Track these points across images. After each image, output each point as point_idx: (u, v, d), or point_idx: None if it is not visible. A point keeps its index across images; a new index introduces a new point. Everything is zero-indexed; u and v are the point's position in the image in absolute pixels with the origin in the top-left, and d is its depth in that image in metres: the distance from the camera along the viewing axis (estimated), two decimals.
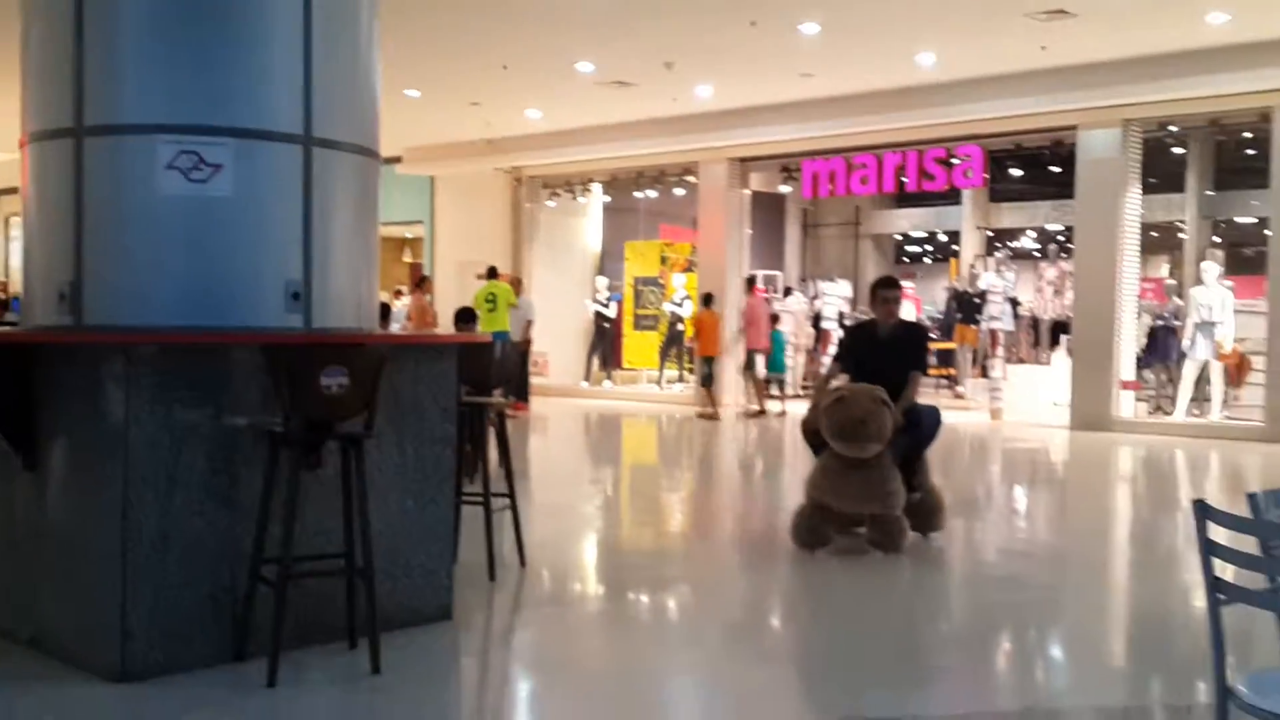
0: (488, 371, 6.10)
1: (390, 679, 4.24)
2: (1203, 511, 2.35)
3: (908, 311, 16.95)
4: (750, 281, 17.17)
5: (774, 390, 16.54)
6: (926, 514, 6.95)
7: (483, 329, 15.85)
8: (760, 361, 16.20)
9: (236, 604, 4.32)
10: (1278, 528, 2.55)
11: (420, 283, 17.57)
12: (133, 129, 4.34)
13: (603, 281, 19.95)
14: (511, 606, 5.68)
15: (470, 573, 5.80)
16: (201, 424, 4.25)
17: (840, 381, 6.96)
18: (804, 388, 18.14)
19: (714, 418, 15.56)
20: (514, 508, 6.19)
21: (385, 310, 10.60)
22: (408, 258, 25.78)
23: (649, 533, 8.07)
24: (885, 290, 7.22)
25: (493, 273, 16.43)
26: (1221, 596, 2.35)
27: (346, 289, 4.78)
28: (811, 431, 6.75)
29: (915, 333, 7.63)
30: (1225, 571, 2.41)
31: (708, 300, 16.52)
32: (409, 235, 24.99)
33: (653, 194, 19.94)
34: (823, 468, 6.59)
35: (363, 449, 4.34)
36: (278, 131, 4.48)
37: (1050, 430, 14.35)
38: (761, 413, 16.02)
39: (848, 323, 18.26)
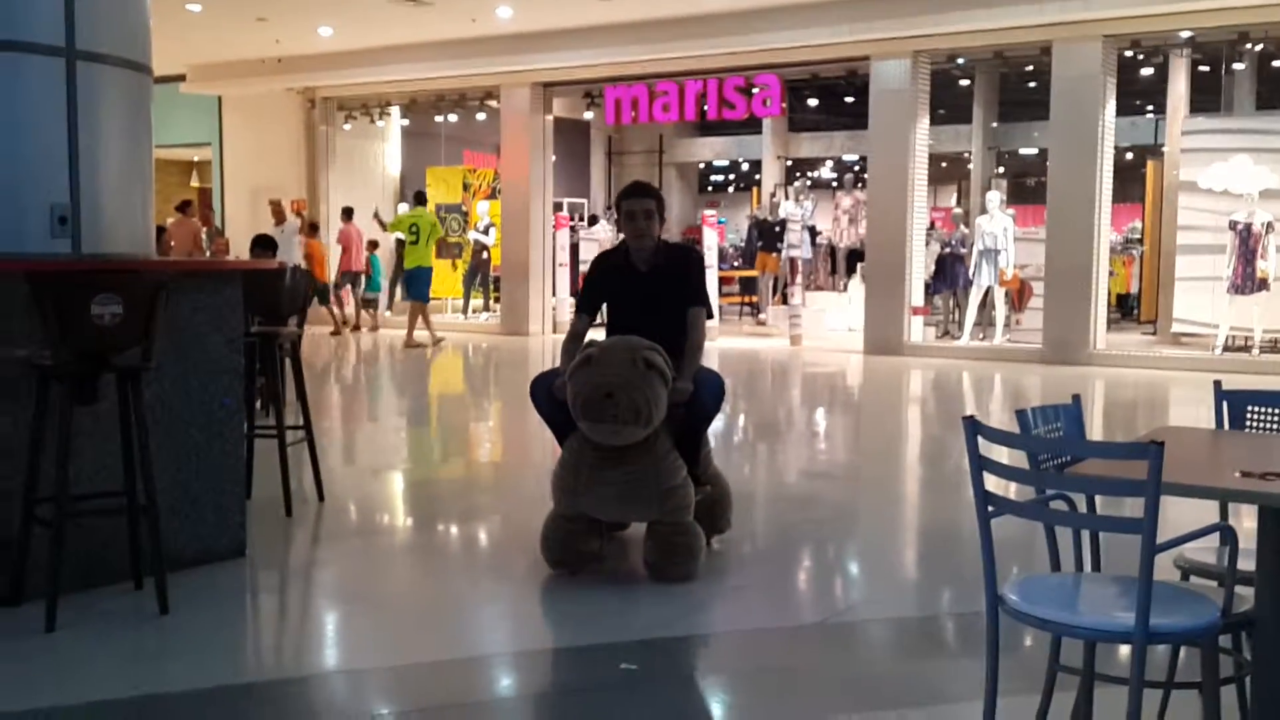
0: (279, 300, 5.88)
1: (179, 618, 4.09)
2: (973, 428, 2.44)
3: (709, 241, 17.12)
4: (347, 212, 17.84)
5: (371, 310, 18.27)
6: (710, 511, 4.99)
7: (407, 264, 15.53)
8: (361, 283, 17.93)
9: (10, 546, 4.08)
10: (1044, 442, 2.67)
11: (183, 207, 16.74)
12: None
13: (404, 208, 19.48)
14: (310, 541, 5.56)
15: (267, 509, 5.65)
16: None
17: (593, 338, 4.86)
18: None
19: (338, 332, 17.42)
20: (310, 441, 6.03)
21: (269, 242, 10.13)
22: (195, 182, 24.63)
23: (456, 464, 8.00)
24: (631, 200, 4.92)
25: (420, 198, 16.05)
26: (991, 509, 2.45)
27: (119, 213, 4.51)
28: (550, 405, 4.77)
29: (685, 256, 5.14)
30: (1007, 489, 2.51)
31: (314, 229, 17.54)
32: (196, 159, 23.86)
33: (454, 118, 19.54)
34: (571, 461, 4.62)
35: (140, 381, 4.13)
36: (36, 43, 4.15)
37: (846, 355, 14.82)
38: (338, 332, 17.51)
39: None
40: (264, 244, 10.02)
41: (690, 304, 4.90)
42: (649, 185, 5.17)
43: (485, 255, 18.62)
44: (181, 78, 18.71)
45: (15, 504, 4.07)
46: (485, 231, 18.58)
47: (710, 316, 5.01)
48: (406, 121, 20.25)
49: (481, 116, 19.19)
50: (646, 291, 4.92)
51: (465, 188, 19.84)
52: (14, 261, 4.13)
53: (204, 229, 17.03)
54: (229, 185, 20.56)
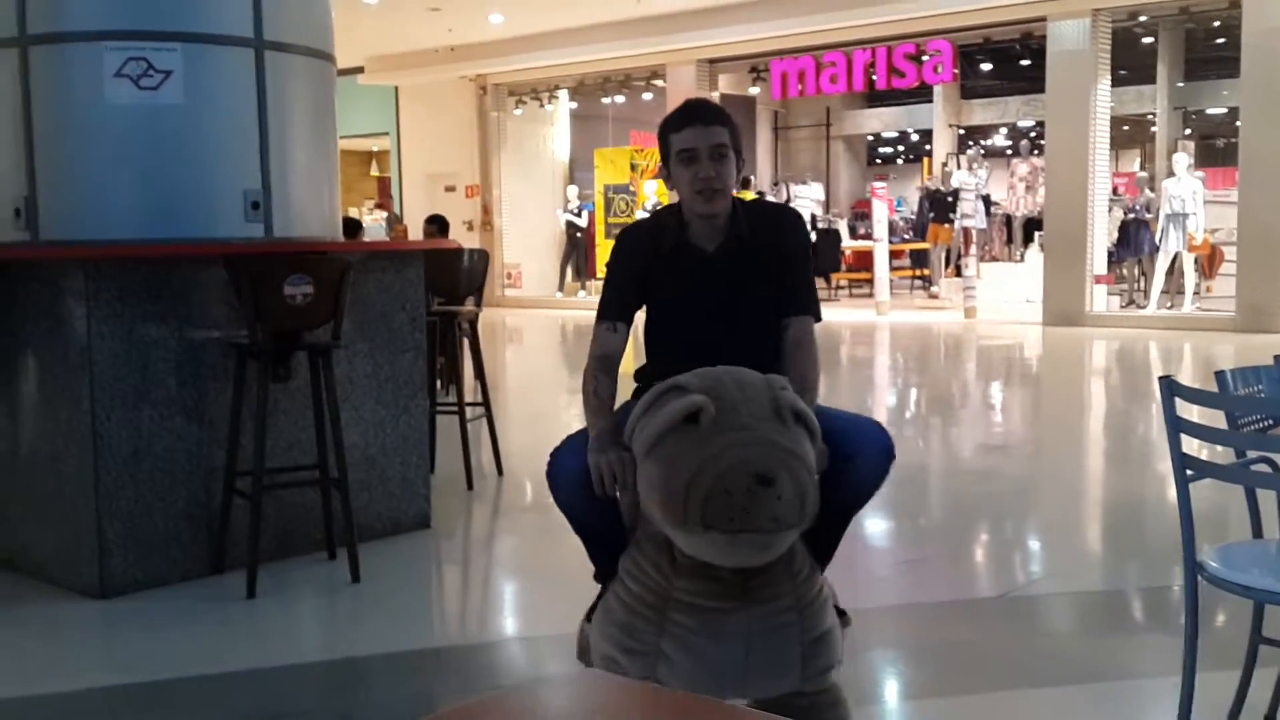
0: (458, 280, 6.04)
1: (370, 587, 4.25)
2: (1170, 389, 2.34)
3: (879, 214, 16.79)
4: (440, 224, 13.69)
5: None
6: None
7: None
8: None
9: (212, 518, 4.31)
10: (1243, 401, 2.55)
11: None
12: (78, 36, 4.20)
13: (573, 190, 19.77)
14: (490, 514, 5.70)
15: (448, 483, 5.81)
16: (166, 338, 4.19)
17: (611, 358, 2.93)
18: None
19: None
20: (489, 417, 6.18)
21: (355, 225, 10.44)
22: (375, 171, 25.45)
23: None
24: (690, 131, 2.82)
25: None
26: (1190, 472, 2.35)
27: (307, 197, 4.69)
28: (587, 501, 2.65)
29: (779, 224, 2.98)
30: (1201, 452, 2.41)
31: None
32: (375, 148, 24.65)
33: (621, 100, 19.69)
34: (648, 601, 2.54)
35: (331, 359, 4.30)
36: (227, 35, 4.35)
37: (1024, 327, 14.40)
38: None
39: (819, 227, 18.15)
40: (437, 225, 10.25)
41: (791, 309, 2.88)
42: (715, 106, 2.95)
43: (579, 235, 18.69)
44: (360, 70, 19.35)
45: (217, 478, 4.29)
46: (578, 213, 18.66)
47: (818, 320, 2.94)
48: (575, 105, 20.50)
49: (648, 97, 19.29)
50: (716, 287, 2.86)
51: (633, 168, 19.98)
52: (211, 245, 4.34)
53: (384, 215, 17.60)
54: (406, 173, 21.19)
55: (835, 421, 2.67)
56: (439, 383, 7.27)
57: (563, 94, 19.98)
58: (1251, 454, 2.51)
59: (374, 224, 18.34)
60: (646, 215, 16.98)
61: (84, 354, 4.03)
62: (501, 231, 19.11)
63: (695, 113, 2.85)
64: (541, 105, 19.87)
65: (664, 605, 2.50)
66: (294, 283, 4.11)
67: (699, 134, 2.80)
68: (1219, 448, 4.15)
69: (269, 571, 4.26)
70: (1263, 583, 2.32)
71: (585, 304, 19.15)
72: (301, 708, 3.32)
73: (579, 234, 19.32)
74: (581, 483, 2.60)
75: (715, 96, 17.82)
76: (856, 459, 2.65)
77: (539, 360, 13.53)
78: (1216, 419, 2.65)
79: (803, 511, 2.34)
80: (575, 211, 19.24)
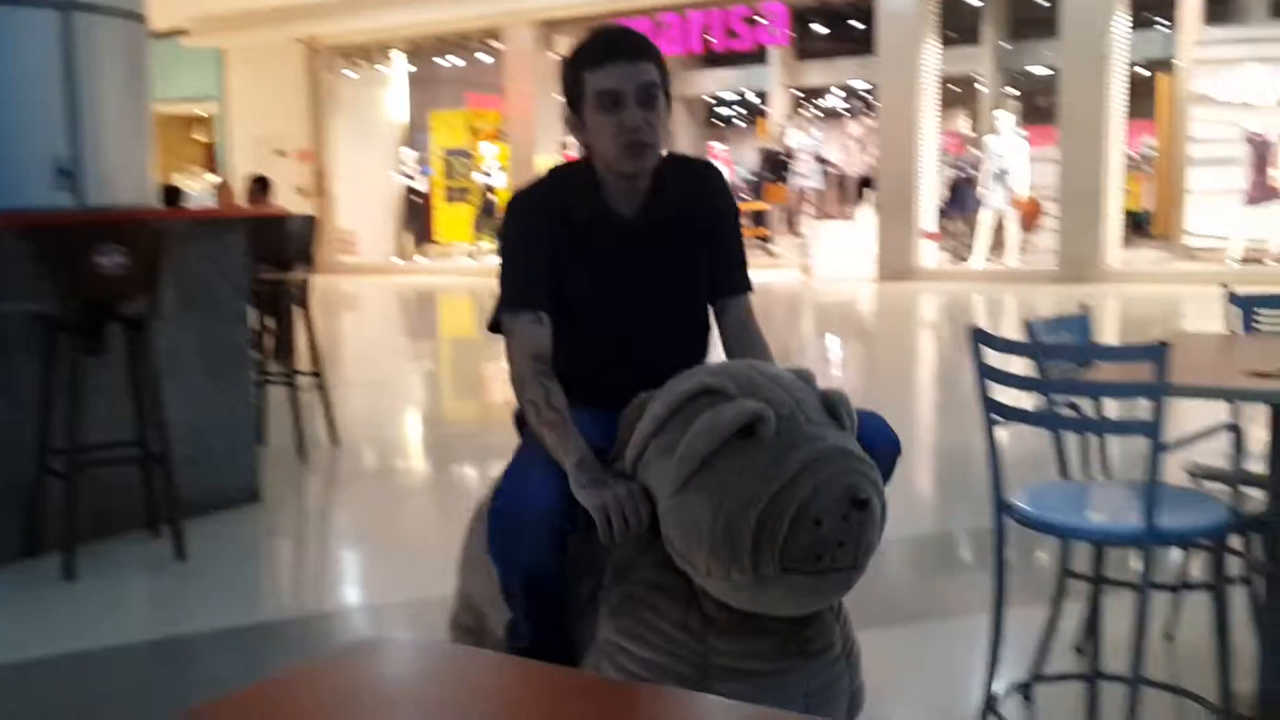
0: (285, 246, 5.87)
1: (197, 564, 4.13)
2: (978, 337, 2.42)
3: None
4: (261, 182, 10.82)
5: None
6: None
7: None
8: None
9: (24, 498, 4.12)
10: (1049, 348, 2.66)
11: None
12: None
13: (410, 154, 19.42)
14: (325, 485, 5.60)
15: (280, 455, 5.68)
16: None
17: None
18: None
19: None
20: (322, 386, 6.05)
21: (176, 193, 10.05)
22: (201, 137, 24.54)
23: (471, 406, 8.02)
24: (614, 68, 2.15)
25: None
26: (996, 417, 2.44)
27: (120, 165, 4.49)
28: (539, 552, 2.04)
29: (705, 185, 2.36)
30: (1017, 402, 2.49)
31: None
32: (202, 113, 23.75)
33: (457, 61, 19.39)
34: (684, 664, 1.93)
35: (148, 330, 4.14)
36: None
37: (859, 283, 14.76)
38: None
39: None
40: (259, 181, 9.91)
41: (729, 288, 2.37)
42: (641, 36, 2.26)
43: (493, 198, 18.57)
44: (184, 32, 18.59)
45: (30, 456, 4.10)
46: (491, 173, 18.53)
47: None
48: (411, 67, 20.11)
49: (485, 58, 19.04)
50: (643, 265, 2.29)
51: (471, 130, 19.74)
52: (16, 214, 4.12)
53: (211, 181, 17.04)
54: (235, 138, 20.50)
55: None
56: (270, 353, 7.09)
57: (397, 55, 19.58)
58: (1058, 398, 2.62)
59: (201, 191, 17.70)
60: (487, 177, 16.39)
61: None
62: (336, 197, 18.64)
63: (618, 45, 2.19)
64: (375, 67, 19.43)
65: (702, 677, 1.90)
66: (105, 252, 3.94)
67: (624, 72, 2.14)
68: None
69: (89, 552, 4.09)
70: (1066, 520, 2.42)
71: (425, 269, 18.94)
72: (124, 689, 3.21)
73: (417, 198, 19.02)
74: (551, 525, 2.00)
75: (553, 58, 17.69)
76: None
77: (378, 328, 13.31)
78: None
79: (881, 535, 1.91)
80: (412, 175, 18.92)
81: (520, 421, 2.28)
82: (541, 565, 2.03)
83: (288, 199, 14.50)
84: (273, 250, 5.81)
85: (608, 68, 2.15)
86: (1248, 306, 3.40)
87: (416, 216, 19.28)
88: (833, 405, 1.98)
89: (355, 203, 19.36)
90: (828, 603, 1.93)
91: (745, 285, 2.37)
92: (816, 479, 1.80)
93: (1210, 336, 3.45)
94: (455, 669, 1.32)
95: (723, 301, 2.35)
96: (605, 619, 1.99)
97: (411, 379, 9.13)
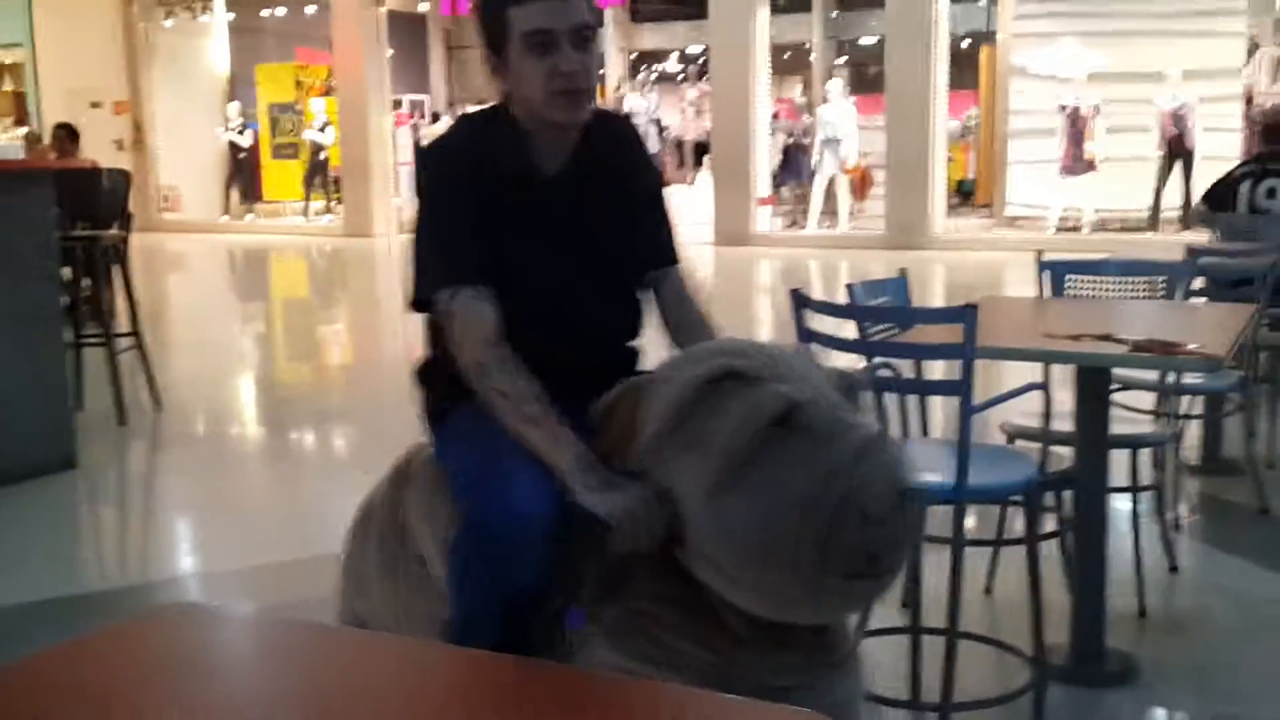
0: (97, 202, 5.61)
1: (7, 534, 3.96)
2: (799, 300, 2.47)
3: None
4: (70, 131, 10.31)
5: None
6: None
7: None
8: None
9: None
10: (866, 310, 2.73)
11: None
12: None
13: (234, 108, 18.72)
14: (147, 449, 5.41)
15: (98, 420, 5.46)
16: None
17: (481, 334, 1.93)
18: None
19: None
20: (141, 347, 5.82)
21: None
22: (7, 85, 23.22)
23: (302, 368, 7.83)
24: (543, 3, 1.92)
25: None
26: None
27: None
28: (534, 538, 1.76)
29: (624, 141, 2.17)
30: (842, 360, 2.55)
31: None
32: (8, 61, 22.46)
33: (282, 12, 18.76)
34: (709, 684, 1.44)
35: None
36: None
37: (696, 247, 14.91)
38: None
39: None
40: (65, 128, 9.43)
41: (661, 258, 2.17)
42: None
43: (323, 155, 18.09)
44: None
45: None
46: (322, 129, 18.01)
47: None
48: (233, 16, 19.36)
49: (312, 10, 18.46)
50: (572, 226, 2.06)
51: (298, 85, 19.14)
52: None
53: (22, 132, 16.14)
54: (44, 88, 19.43)
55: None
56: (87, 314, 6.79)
57: (218, 4, 18.82)
58: (877, 360, 2.69)
59: (11, 143, 16.74)
60: (318, 133, 15.72)
61: None
62: (156, 151, 17.88)
63: None
64: (194, 16, 18.64)
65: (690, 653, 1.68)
66: None
67: (555, 10, 1.92)
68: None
69: None
70: None
71: (253, 228, 18.37)
72: None
73: (243, 154, 18.37)
74: (546, 538, 1.74)
75: (382, 12, 17.29)
76: None
77: (203, 287, 12.86)
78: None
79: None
80: (238, 130, 18.26)
81: (434, 414, 2.03)
82: (531, 589, 1.76)
83: (104, 153, 13.83)
84: (84, 206, 5.56)
85: (537, 3, 1.91)
86: (1060, 272, 3.56)
87: (243, 173, 18.65)
88: (851, 388, 1.76)
89: (177, 158, 18.61)
90: (857, 606, 1.76)
91: (677, 255, 2.17)
92: (866, 470, 1.61)
93: (1021, 300, 3.61)
94: (268, 636, 1.29)
95: (655, 273, 2.13)
96: (600, 641, 1.70)
97: (240, 340, 8.86)
